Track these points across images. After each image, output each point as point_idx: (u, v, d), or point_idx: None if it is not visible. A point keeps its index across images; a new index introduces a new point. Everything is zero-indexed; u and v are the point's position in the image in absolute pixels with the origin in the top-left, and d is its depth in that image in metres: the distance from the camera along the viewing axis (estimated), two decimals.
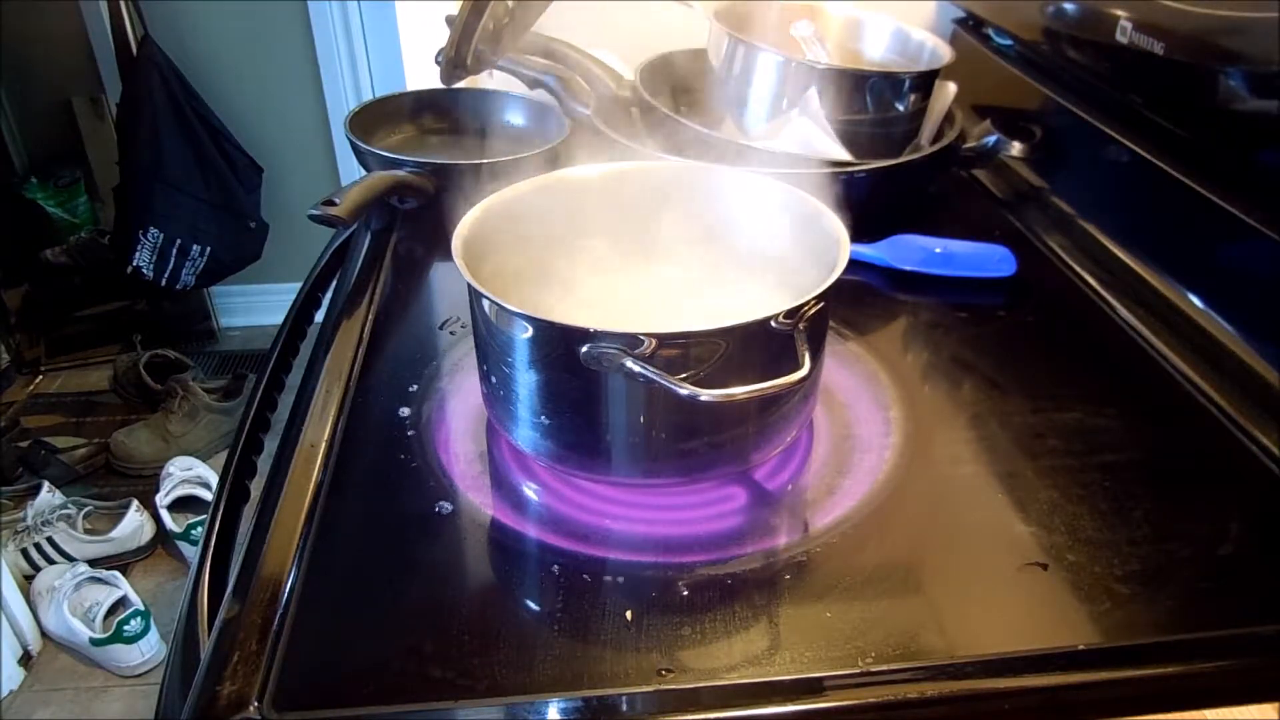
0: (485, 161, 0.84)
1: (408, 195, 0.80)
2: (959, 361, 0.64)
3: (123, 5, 1.68)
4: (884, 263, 0.74)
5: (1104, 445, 0.55)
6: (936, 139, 0.83)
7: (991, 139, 0.84)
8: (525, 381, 0.49)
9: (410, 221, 0.82)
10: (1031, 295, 0.72)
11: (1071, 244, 0.76)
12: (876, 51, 0.86)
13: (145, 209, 1.72)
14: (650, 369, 0.44)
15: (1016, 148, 0.83)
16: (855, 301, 0.70)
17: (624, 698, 0.41)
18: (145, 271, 1.75)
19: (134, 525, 1.50)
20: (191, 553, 1.51)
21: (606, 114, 0.86)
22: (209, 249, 1.78)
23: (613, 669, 0.42)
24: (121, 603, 1.37)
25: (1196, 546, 0.48)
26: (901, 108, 0.78)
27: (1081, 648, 0.42)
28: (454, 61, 0.74)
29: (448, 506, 0.51)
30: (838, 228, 0.52)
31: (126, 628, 1.32)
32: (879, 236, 0.74)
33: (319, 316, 0.76)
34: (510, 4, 0.71)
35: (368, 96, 1.77)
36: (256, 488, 0.57)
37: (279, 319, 0.78)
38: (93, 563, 1.45)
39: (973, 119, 0.87)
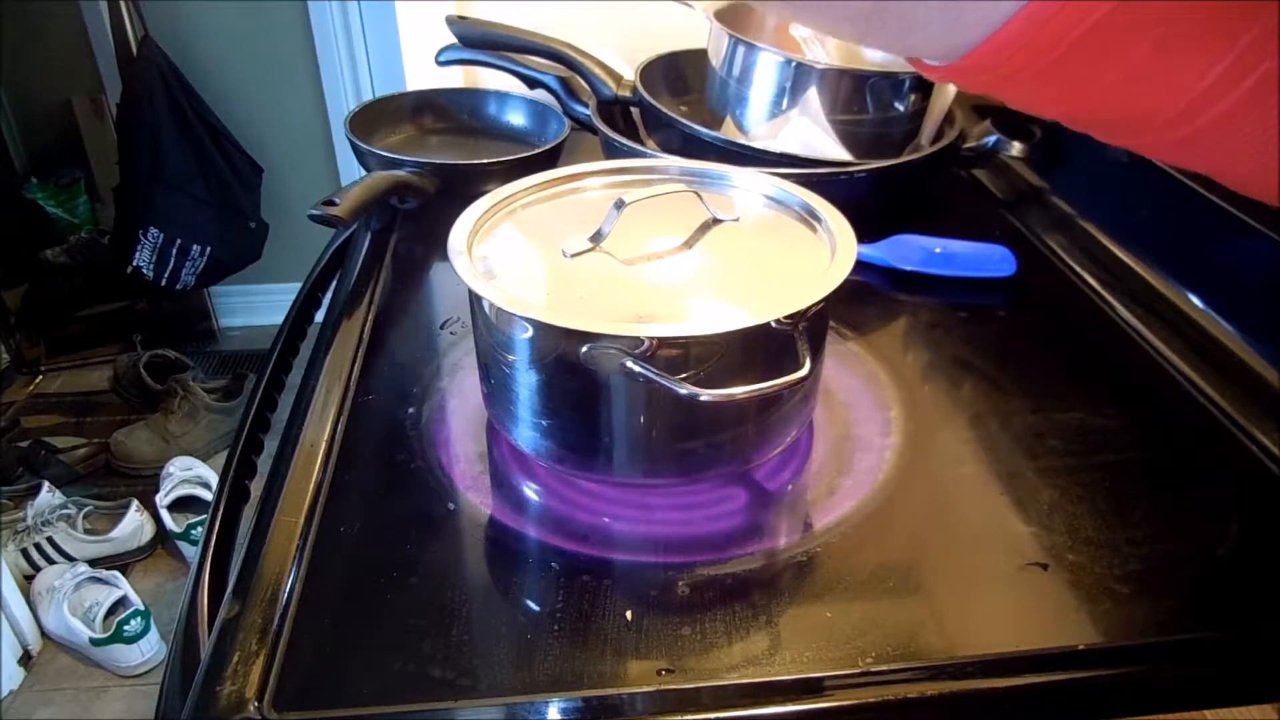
0: (485, 161, 0.84)
1: (408, 195, 0.80)
2: (959, 361, 0.64)
3: (123, 5, 1.68)
4: (884, 263, 0.74)
5: (1104, 445, 0.55)
6: (936, 139, 0.83)
7: (991, 139, 0.84)
8: (525, 382, 0.49)
9: (410, 221, 0.82)
10: (1031, 295, 0.72)
11: (1071, 244, 0.76)
12: (877, 52, 0.86)
13: (145, 209, 1.73)
14: (650, 369, 0.44)
15: (1016, 148, 0.83)
16: (855, 301, 0.70)
17: (624, 698, 0.41)
18: (145, 271, 1.75)
19: (134, 525, 1.50)
20: (191, 553, 1.51)
21: (606, 114, 0.86)
22: (209, 249, 1.78)
23: (613, 669, 0.42)
24: (121, 603, 1.37)
25: (1196, 546, 0.48)
26: (901, 108, 0.78)
27: (1081, 648, 0.42)
28: None
29: (448, 506, 0.51)
30: (844, 229, 0.52)
31: (126, 628, 1.32)
32: (879, 236, 0.74)
33: (319, 316, 0.76)
34: None
35: (368, 96, 1.76)
36: (256, 488, 0.57)
37: (279, 319, 0.78)
38: (93, 563, 1.45)
39: (973, 119, 0.86)
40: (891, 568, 0.47)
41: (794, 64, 0.76)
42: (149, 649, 1.35)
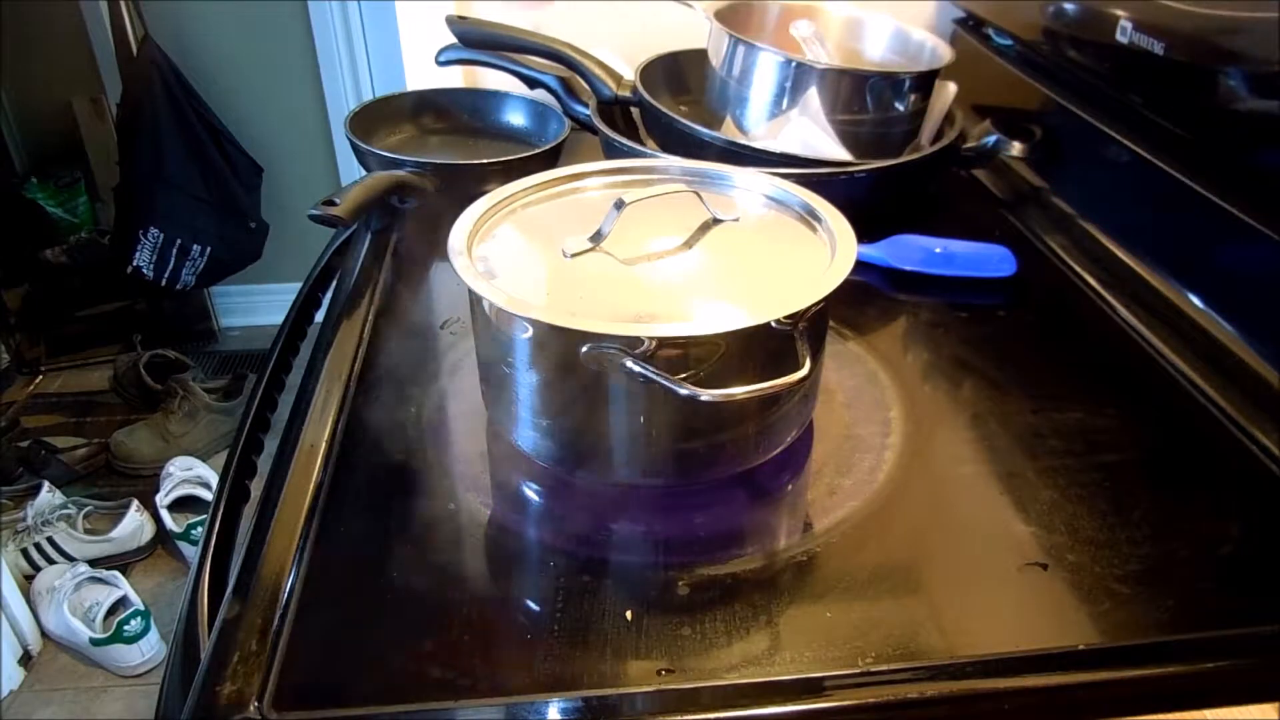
0: (485, 161, 0.84)
1: (408, 195, 0.80)
2: (959, 361, 0.64)
3: (123, 5, 1.68)
4: (884, 263, 0.74)
5: (1104, 445, 0.55)
6: (936, 139, 0.83)
7: (991, 139, 0.84)
8: (525, 382, 0.49)
9: (410, 221, 0.82)
10: (1031, 295, 0.72)
11: (1071, 244, 0.76)
12: (876, 51, 0.86)
13: (145, 209, 1.72)
14: (650, 369, 0.44)
15: (1016, 148, 0.83)
16: (855, 301, 0.70)
17: (624, 698, 0.41)
18: (145, 271, 1.75)
19: (134, 525, 1.50)
20: (191, 553, 1.51)
21: (606, 114, 0.86)
22: (209, 249, 1.78)
23: (613, 669, 0.42)
24: (121, 603, 1.37)
25: (1196, 546, 0.48)
26: (901, 108, 0.78)
27: (1081, 648, 0.42)
28: None
29: (448, 506, 0.51)
30: (844, 229, 0.52)
31: (126, 628, 1.32)
32: (879, 236, 0.74)
33: (319, 316, 0.76)
34: None
35: (368, 96, 1.76)
36: (256, 488, 0.57)
37: (279, 319, 0.78)
38: (93, 563, 1.45)
39: (973, 119, 0.86)
40: (891, 568, 0.47)
41: (794, 64, 0.76)
42: (149, 649, 1.35)
